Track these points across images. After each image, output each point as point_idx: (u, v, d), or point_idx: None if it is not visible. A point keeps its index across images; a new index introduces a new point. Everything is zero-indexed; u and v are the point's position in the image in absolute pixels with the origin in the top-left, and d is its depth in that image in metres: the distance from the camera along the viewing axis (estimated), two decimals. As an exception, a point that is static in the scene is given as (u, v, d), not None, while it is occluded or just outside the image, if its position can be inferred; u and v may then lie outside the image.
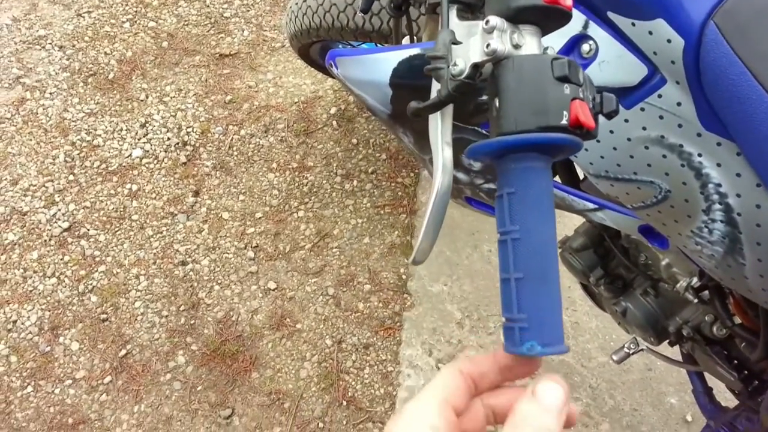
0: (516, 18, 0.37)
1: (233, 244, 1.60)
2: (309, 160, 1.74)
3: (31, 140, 1.72)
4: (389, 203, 1.69)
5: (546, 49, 0.39)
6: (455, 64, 0.38)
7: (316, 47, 1.44)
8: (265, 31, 1.97)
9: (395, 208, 1.68)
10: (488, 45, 0.36)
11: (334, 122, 1.81)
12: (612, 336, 1.47)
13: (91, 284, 1.54)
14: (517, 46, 0.37)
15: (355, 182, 1.71)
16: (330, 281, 1.56)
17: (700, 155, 0.52)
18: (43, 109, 1.77)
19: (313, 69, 1.76)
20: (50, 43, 1.88)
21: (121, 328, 1.49)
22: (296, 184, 1.70)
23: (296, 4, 1.30)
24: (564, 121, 0.34)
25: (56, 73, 1.83)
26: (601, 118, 0.39)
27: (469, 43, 0.38)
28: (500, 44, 0.36)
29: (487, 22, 0.36)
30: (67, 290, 1.53)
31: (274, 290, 1.55)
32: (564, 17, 0.38)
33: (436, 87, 0.42)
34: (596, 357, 1.44)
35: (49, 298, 1.52)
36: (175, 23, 1.95)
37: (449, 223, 1.64)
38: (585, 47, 0.54)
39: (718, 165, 0.51)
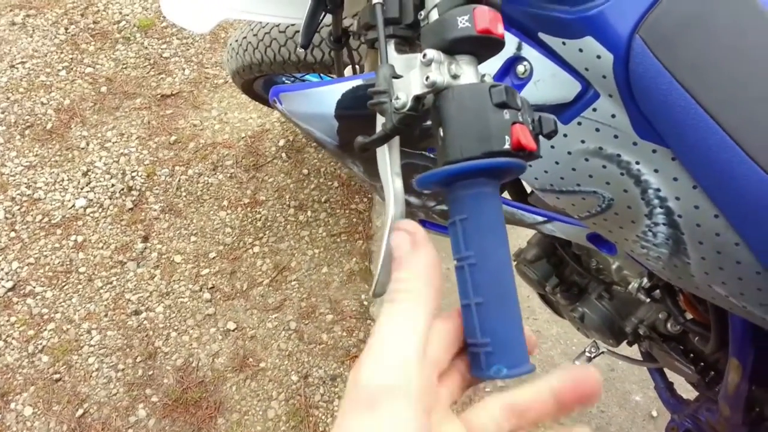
0: (451, 49, 0.39)
1: (188, 287, 1.56)
2: (261, 195, 1.72)
3: (-35, 198, 1.64)
4: (345, 231, 1.69)
5: (483, 76, 0.41)
6: (397, 98, 0.39)
7: (259, 82, 1.44)
8: (207, 68, 1.95)
9: (351, 235, 1.68)
10: (427, 77, 0.37)
11: (284, 154, 1.80)
12: (573, 341, 1.50)
13: (40, 344, 1.47)
14: (455, 77, 0.38)
15: (309, 213, 1.71)
16: (291, 315, 1.54)
17: (637, 163, 0.54)
18: (-23, 165, 1.70)
19: (258, 103, 1.76)
20: (-19, 97, 1.82)
21: (76, 386, 1.42)
22: (249, 220, 1.68)
23: (236, 41, 1.30)
24: (507, 146, 0.36)
25: (-11, 128, 1.76)
26: (541, 137, 0.41)
27: (410, 76, 0.39)
28: (439, 76, 0.37)
29: (424, 55, 0.38)
30: (16, 353, 1.46)
31: (234, 330, 1.51)
32: (497, 45, 0.39)
33: (380, 121, 0.43)
34: (560, 363, 1.47)
35: (-5, 363, 1.44)
36: (113, 67, 1.92)
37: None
38: (520, 68, 0.56)
39: (656, 171, 0.53)
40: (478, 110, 0.36)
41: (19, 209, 1.64)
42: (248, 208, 1.70)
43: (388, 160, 0.45)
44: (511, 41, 0.56)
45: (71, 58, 1.92)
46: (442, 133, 0.38)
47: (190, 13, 0.92)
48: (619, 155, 0.55)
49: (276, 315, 1.54)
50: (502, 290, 0.36)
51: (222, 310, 1.54)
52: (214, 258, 1.61)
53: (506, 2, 0.54)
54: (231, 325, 1.51)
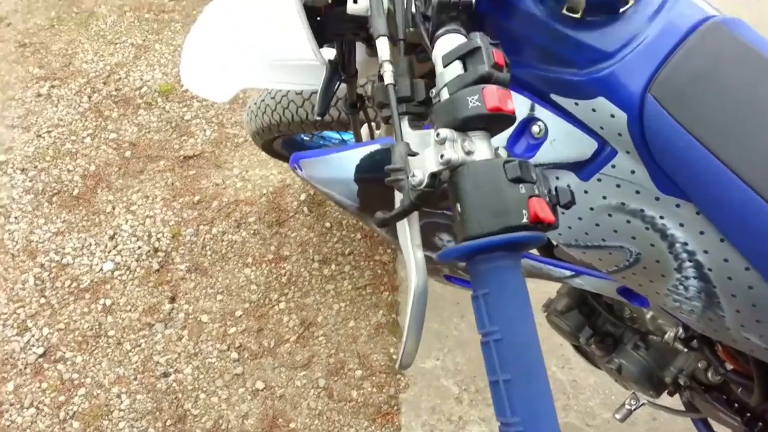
0: (464, 127, 0.39)
1: (215, 347, 1.56)
2: (284, 250, 1.73)
3: (-2, 268, 1.68)
4: (370, 283, 1.68)
5: (497, 149, 0.41)
6: (414, 175, 0.40)
7: (279, 141, 1.47)
8: (227, 128, 2.00)
9: (377, 287, 1.67)
10: (442, 155, 0.38)
11: (305, 208, 1.82)
12: (612, 390, 1.45)
13: (71, 410, 1.47)
14: (469, 153, 0.39)
15: (333, 266, 1.71)
16: (320, 372, 1.52)
17: (662, 217, 0.53)
18: (9, 234, 1.75)
19: (278, 160, 1.79)
20: (12, 167, 1.88)
21: (107, 453, 1.41)
22: (274, 276, 1.69)
23: (255, 103, 1.34)
24: (524, 219, 0.36)
25: (20, 197, 1.82)
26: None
27: (425, 154, 0.40)
28: (453, 153, 0.38)
29: (438, 134, 0.38)
30: (47, 419, 1.46)
31: (262, 390, 1.50)
32: (508, 121, 0.40)
33: (398, 196, 0.43)
34: (600, 414, 1.42)
35: (28, 431, 1.44)
36: (136, 132, 1.98)
37: (433, 295, 1.63)
38: (535, 128, 0.57)
39: (681, 225, 0.53)
40: (493, 186, 0.37)
41: (48, 275, 1.67)
42: (272, 264, 1.71)
43: (408, 233, 0.45)
44: (523, 103, 0.56)
45: (95, 125, 1.99)
46: (459, 209, 0.38)
47: (209, 83, 0.95)
48: (642, 210, 0.54)
49: (304, 372, 1.52)
50: (530, 366, 0.35)
51: (250, 369, 1.53)
52: (240, 316, 1.61)
53: (516, 66, 0.55)
54: (260, 385, 1.50)
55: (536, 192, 0.37)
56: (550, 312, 0.96)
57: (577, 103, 0.53)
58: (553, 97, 0.55)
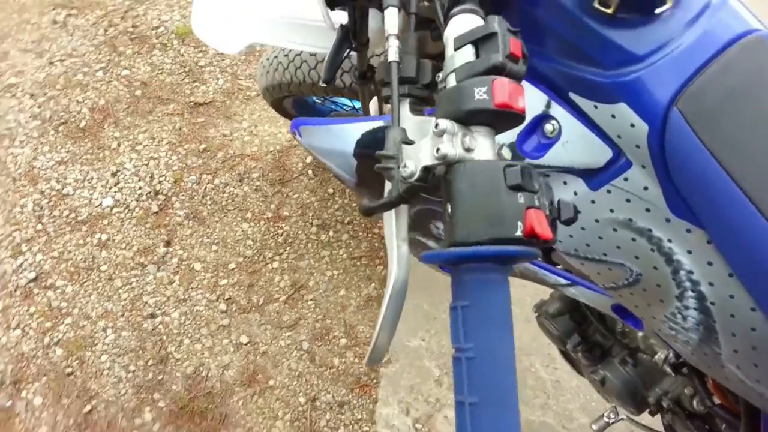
0: (467, 120, 0.35)
1: (205, 296, 1.55)
2: (284, 210, 1.71)
3: (-2, 189, 1.68)
4: (366, 254, 1.66)
5: (500, 148, 0.38)
6: (406, 166, 0.36)
7: (289, 100, 1.42)
8: (240, 80, 1.95)
9: (372, 259, 1.65)
10: (438, 149, 0.34)
11: (310, 171, 1.78)
12: (593, 396, 1.43)
13: (56, 336, 1.48)
14: (468, 150, 0.35)
15: (331, 233, 1.68)
16: (305, 335, 1.52)
17: (670, 241, 0.50)
18: (12, 157, 1.73)
19: (288, 119, 1.75)
20: (21, 91, 1.85)
21: (86, 382, 1.42)
22: (271, 235, 1.67)
23: (267, 59, 1.29)
24: (518, 232, 0.32)
25: (27, 121, 1.79)
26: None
27: (421, 144, 0.36)
28: (451, 148, 0.34)
29: (437, 125, 0.35)
30: (32, 342, 1.47)
31: (246, 344, 1.49)
32: (516, 120, 0.36)
33: (388, 186, 0.40)
34: (578, 418, 1.40)
35: (12, 351, 1.46)
36: (149, 72, 1.94)
37: (427, 276, 1.60)
38: (548, 127, 0.53)
39: (689, 252, 0.49)
40: (490, 190, 0.33)
41: (47, 203, 1.66)
42: (271, 223, 1.68)
43: (394, 226, 0.42)
44: (539, 98, 0.52)
45: (108, 60, 1.95)
46: (450, 210, 0.35)
47: (219, 33, 0.91)
48: (650, 230, 0.51)
49: (289, 333, 1.51)
50: (500, 393, 0.32)
51: (236, 322, 1.52)
52: (233, 269, 1.60)
53: (536, 57, 0.51)
54: (244, 339, 1.50)
55: (536, 203, 0.33)
56: (541, 313, 0.94)
57: (596, 106, 0.49)
58: (572, 96, 0.51)
